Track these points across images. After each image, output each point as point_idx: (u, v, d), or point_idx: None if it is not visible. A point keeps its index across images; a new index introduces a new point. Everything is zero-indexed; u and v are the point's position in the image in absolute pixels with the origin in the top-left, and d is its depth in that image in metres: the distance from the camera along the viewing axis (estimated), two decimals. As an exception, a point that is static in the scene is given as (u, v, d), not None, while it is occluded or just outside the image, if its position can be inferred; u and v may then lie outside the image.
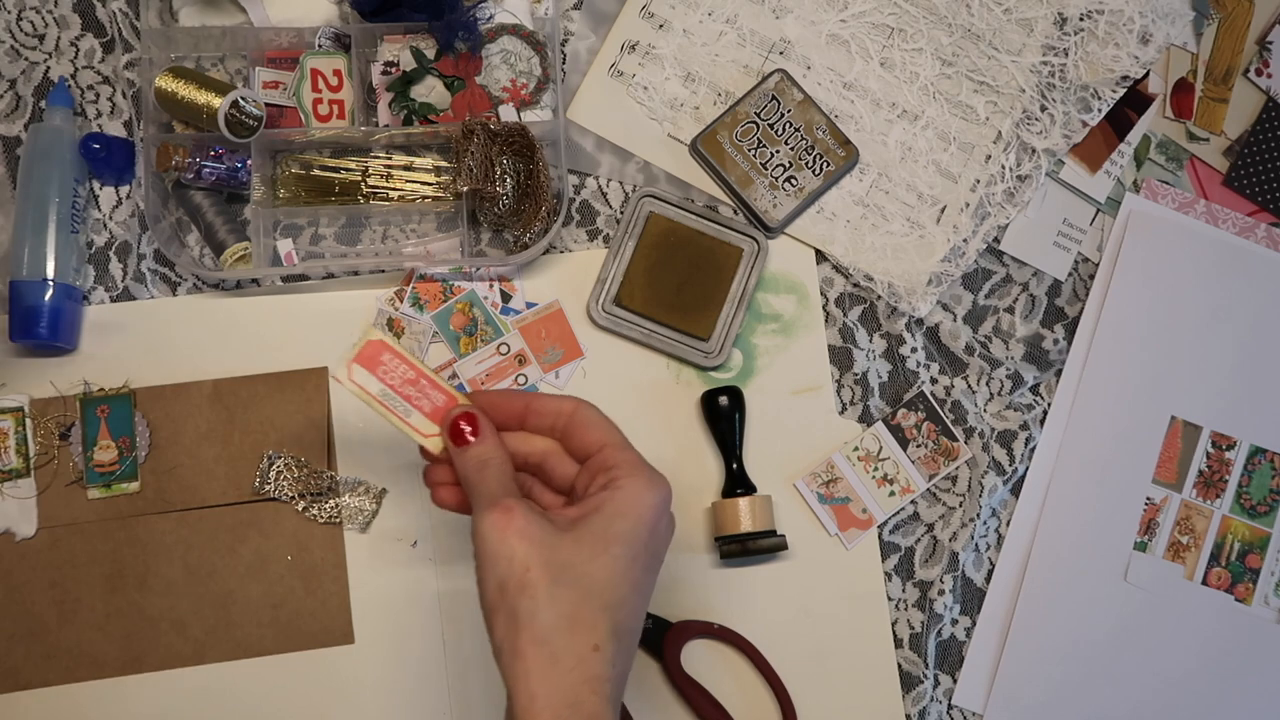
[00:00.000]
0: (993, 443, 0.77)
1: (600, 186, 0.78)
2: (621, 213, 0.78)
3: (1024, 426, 0.78)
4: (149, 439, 0.73)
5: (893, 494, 0.75)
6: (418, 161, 0.77)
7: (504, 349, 0.75)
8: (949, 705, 0.75)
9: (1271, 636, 0.76)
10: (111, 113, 0.77)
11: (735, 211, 0.78)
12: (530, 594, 0.51)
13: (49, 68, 0.77)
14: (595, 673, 0.51)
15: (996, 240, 0.79)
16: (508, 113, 0.76)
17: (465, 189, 0.73)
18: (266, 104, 0.74)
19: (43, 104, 0.76)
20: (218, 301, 0.75)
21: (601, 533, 0.54)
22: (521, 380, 0.75)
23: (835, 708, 0.73)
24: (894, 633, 0.75)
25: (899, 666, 0.74)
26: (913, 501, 0.76)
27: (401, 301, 0.75)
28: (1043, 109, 0.80)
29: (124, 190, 0.76)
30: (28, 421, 0.72)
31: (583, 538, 0.53)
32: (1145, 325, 0.79)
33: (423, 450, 0.59)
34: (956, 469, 0.76)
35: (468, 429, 0.57)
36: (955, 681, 0.75)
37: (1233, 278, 0.80)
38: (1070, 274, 0.80)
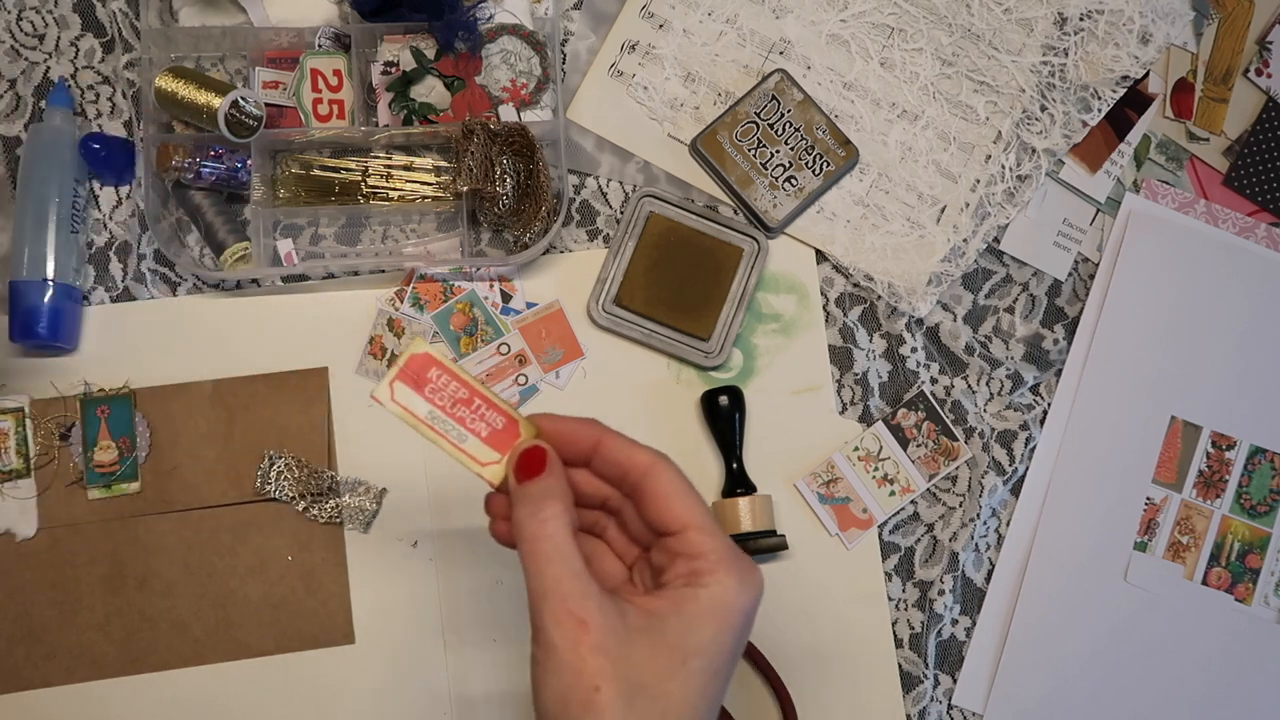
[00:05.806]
0: (993, 443, 0.77)
1: (600, 186, 0.78)
2: (621, 213, 0.78)
3: (1024, 426, 0.78)
4: (149, 439, 0.73)
5: (893, 494, 0.75)
6: (418, 161, 0.77)
7: (504, 349, 0.75)
8: (949, 705, 0.75)
9: (1271, 636, 0.76)
10: (111, 113, 0.77)
11: (735, 211, 0.78)
12: (596, 717, 0.45)
13: (49, 68, 0.77)
14: None
15: (996, 240, 0.79)
16: (508, 113, 0.76)
17: (465, 189, 0.73)
18: (266, 104, 0.74)
19: (43, 104, 0.76)
20: (218, 301, 0.75)
21: (680, 642, 0.47)
22: (522, 380, 0.75)
23: (835, 708, 0.73)
24: (894, 633, 0.75)
25: (899, 666, 0.74)
26: (913, 501, 0.76)
27: (401, 301, 0.75)
28: (1043, 109, 0.80)
29: (124, 190, 0.76)
30: (28, 422, 0.72)
31: (659, 647, 0.46)
32: (1145, 325, 0.79)
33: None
34: (956, 469, 0.76)
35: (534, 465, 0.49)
36: (955, 681, 0.75)
37: (1233, 278, 0.80)
38: (1070, 274, 0.80)
